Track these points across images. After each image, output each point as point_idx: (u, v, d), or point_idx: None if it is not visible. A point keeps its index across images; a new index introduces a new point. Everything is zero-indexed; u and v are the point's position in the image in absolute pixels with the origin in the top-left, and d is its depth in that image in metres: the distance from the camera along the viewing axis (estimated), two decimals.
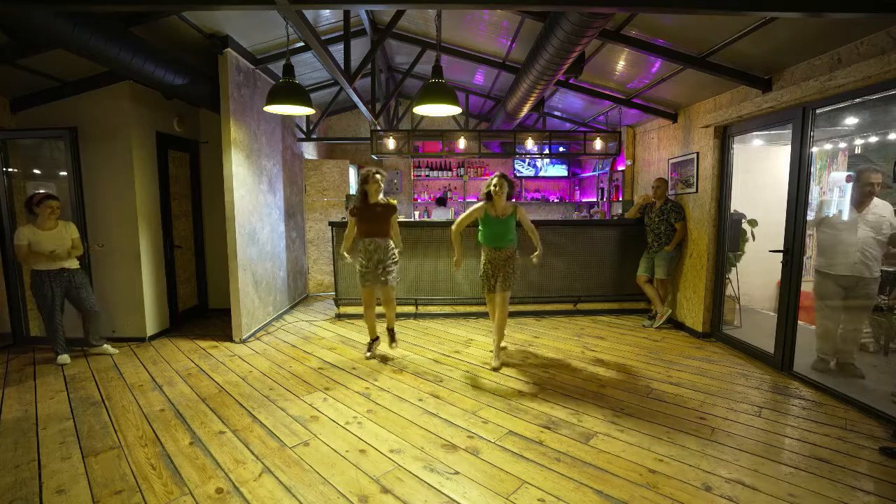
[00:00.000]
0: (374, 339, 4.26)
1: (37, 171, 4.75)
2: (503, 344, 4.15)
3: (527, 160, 8.70)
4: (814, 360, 3.72)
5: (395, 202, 4.03)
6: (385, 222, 3.94)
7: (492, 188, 3.87)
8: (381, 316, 4.41)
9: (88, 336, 4.24)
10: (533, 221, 3.91)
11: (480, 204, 3.96)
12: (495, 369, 3.85)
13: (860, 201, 3.48)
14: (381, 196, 3.96)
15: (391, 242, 4.02)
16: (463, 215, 4.02)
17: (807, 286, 3.75)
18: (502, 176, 3.90)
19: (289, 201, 6.19)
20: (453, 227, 4.05)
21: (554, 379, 3.69)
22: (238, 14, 3.98)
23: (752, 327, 4.79)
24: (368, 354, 4.16)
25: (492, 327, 4.11)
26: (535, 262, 3.95)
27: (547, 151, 7.33)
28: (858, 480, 2.34)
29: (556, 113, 7.22)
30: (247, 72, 4.81)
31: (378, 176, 3.89)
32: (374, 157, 7.08)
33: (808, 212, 3.64)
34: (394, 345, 4.27)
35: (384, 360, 4.12)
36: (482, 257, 4.02)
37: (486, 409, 3.15)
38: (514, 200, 4.00)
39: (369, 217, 3.92)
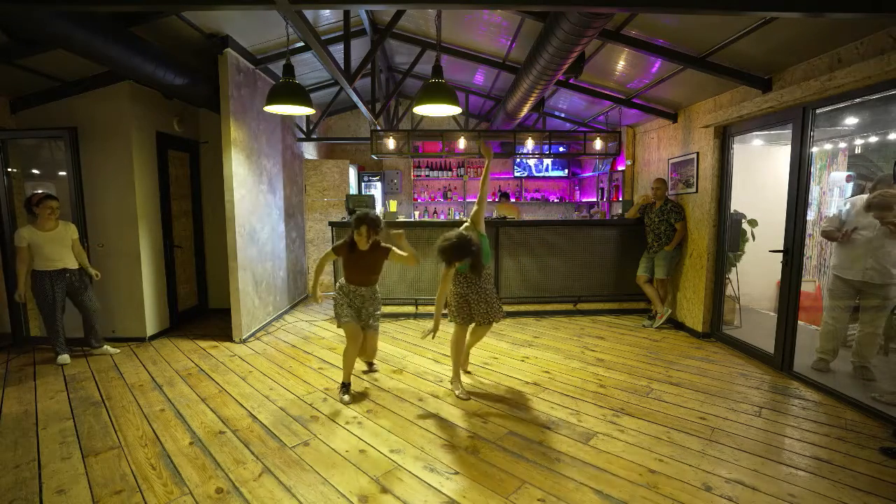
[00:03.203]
0: (348, 384, 3.35)
1: (36, 172, 4.75)
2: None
3: (525, 160, 8.70)
4: (814, 360, 3.72)
5: (387, 245, 3.32)
6: (375, 272, 3.35)
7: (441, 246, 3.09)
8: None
9: (90, 338, 4.24)
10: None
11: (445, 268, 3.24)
12: (461, 398, 3.32)
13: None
14: (370, 241, 3.24)
15: (377, 291, 3.46)
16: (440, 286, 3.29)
17: (807, 286, 3.73)
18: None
19: (289, 201, 6.19)
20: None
21: (554, 379, 3.69)
22: (238, 14, 3.98)
23: (752, 327, 4.79)
24: (347, 399, 3.27)
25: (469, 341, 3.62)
26: None
27: (547, 151, 7.33)
28: (858, 480, 2.34)
29: (556, 113, 7.22)
30: (247, 72, 4.81)
31: (364, 228, 3.15)
32: (374, 157, 7.08)
33: (808, 212, 3.62)
34: (372, 370, 3.80)
35: (382, 360, 4.12)
36: (455, 288, 3.38)
37: (486, 409, 3.15)
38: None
39: (354, 264, 3.30)
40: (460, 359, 3.48)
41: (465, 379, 3.67)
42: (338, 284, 3.45)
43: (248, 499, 2.20)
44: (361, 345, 3.39)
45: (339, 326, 3.42)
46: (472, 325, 3.48)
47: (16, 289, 4.04)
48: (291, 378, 3.72)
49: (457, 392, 3.36)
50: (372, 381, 3.64)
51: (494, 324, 3.47)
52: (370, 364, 3.89)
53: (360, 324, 3.38)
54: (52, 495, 2.24)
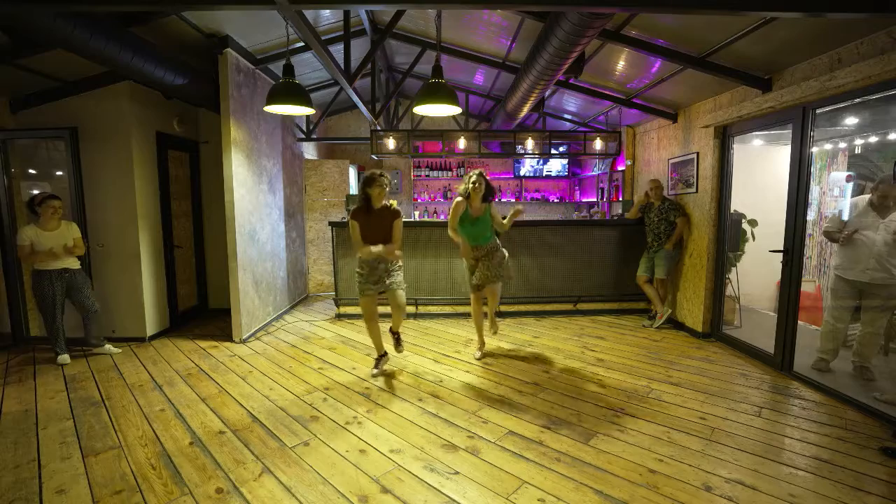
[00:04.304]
0: (383, 355, 3.86)
1: (33, 171, 4.74)
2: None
3: (526, 160, 8.70)
4: (814, 360, 3.72)
5: (395, 203, 3.74)
6: (389, 230, 3.59)
7: (469, 185, 3.87)
8: (384, 316, 4.03)
9: (89, 337, 4.24)
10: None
11: (461, 199, 3.94)
12: (494, 333, 4.32)
13: (882, 207, 3.38)
14: (384, 201, 3.64)
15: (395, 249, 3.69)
16: (450, 214, 3.97)
17: (807, 286, 3.72)
18: (481, 174, 3.92)
19: (289, 201, 6.20)
20: (449, 227, 4.02)
21: (554, 379, 3.69)
22: (238, 14, 3.98)
23: (752, 327, 4.79)
24: (375, 371, 3.78)
25: (484, 317, 4.31)
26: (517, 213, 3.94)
27: (547, 151, 7.33)
28: (858, 480, 2.34)
29: (556, 113, 7.22)
30: (247, 72, 4.81)
31: (383, 179, 3.55)
32: (374, 157, 7.07)
33: (808, 212, 3.62)
34: (400, 348, 3.97)
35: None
36: (474, 253, 4.03)
37: (486, 409, 3.15)
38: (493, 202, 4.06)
39: (373, 224, 3.56)
40: (480, 328, 4.27)
41: (468, 379, 3.68)
42: (358, 260, 3.66)
43: (248, 499, 2.20)
44: (391, 305, 3.71)
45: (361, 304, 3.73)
46: (485, 289, 4.06)
47: (21, 286, 4.05)
48: (291, 378, 3.72)
49: (476, 356, 4.18)
50: (372, 380, 3.65)
51: (501, 286, 4.09)
52: (396, 337, 3.94)
53: (384, 287, 3.63)
54: (52, 495, 2.24)
